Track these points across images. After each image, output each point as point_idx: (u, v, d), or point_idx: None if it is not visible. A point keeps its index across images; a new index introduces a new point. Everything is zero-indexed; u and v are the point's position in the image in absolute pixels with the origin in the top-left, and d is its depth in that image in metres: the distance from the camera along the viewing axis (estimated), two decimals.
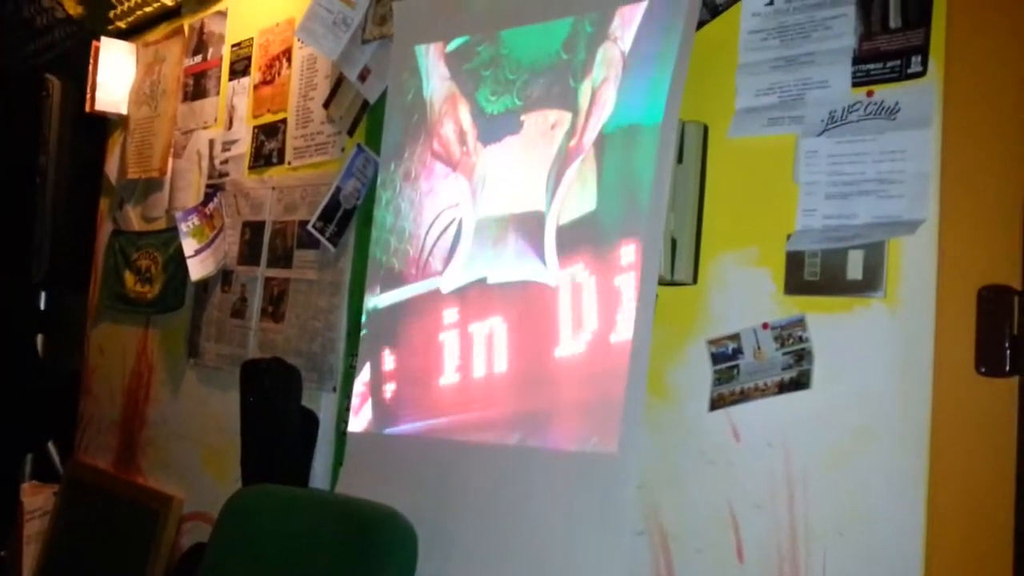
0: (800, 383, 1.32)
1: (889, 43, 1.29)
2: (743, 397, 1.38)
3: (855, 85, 1.32)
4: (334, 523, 1.66)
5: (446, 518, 1.64)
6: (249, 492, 1.88)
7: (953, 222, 1.20)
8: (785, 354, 1.34)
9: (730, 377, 1.40)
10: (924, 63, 1.26)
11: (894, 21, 1.29)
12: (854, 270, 1.28)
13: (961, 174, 1.21)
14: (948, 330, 1.19)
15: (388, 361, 1.85)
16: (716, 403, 1.41)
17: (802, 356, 1.32)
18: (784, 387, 1.33)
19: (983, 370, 1.15)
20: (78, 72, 3.14)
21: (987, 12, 1.21)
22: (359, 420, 1.87)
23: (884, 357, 1.24)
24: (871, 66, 1.31)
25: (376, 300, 1.90)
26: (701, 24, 1.48)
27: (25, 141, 3.18)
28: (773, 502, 1.32)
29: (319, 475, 2.09)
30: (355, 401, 1.89)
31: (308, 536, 1.66)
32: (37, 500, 3.10)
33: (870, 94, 1.30)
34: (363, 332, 1.92)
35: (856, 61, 1.32)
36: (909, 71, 1.27)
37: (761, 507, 1.33)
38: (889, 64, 1.29)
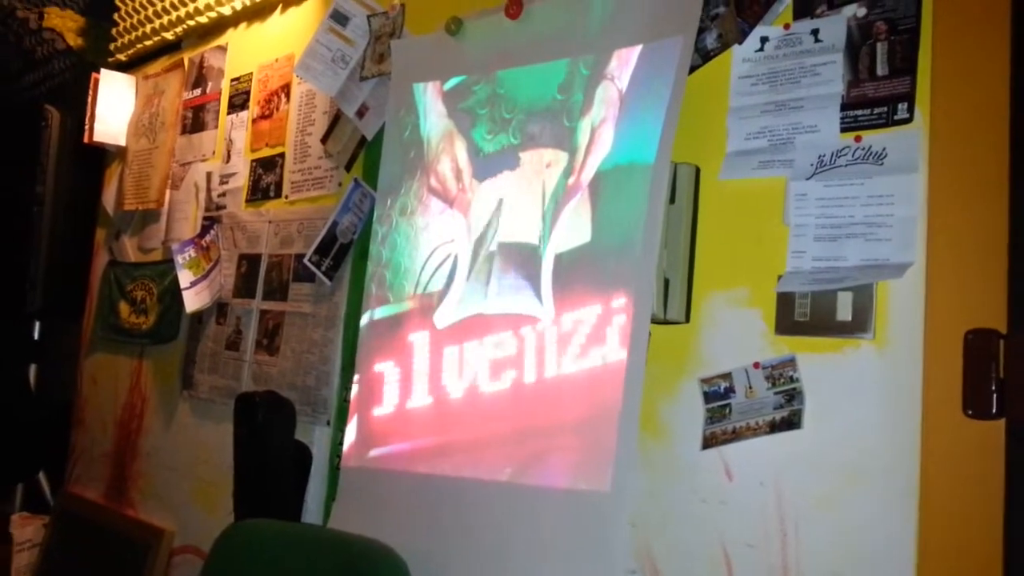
0: (791, 422, 1.33)
1: (876, 90, 1.33)
2: (735, 436, 1.39)
3: (843, 130, 1.35)
4: (327, 558, 1.65)
5: (438, 554, 1.64)
6: (241, 526, 1.87)
7: (940, 266, 1.23)
8: (776, 393, 1.35)
9: (722, 416, 1.41)
10: (910, 110, 1.29)
11: (881, 69, 1.32)
12: (843, 311, 1.30)
13: (947, 219, 1.23)
14: (936, 372, 1.21)
15: (375, 382, 1.87)
16: (708, 442, 1.42)
17: (793, 396, 1.34)
18: (776, 426, 1.35)
19: (970, 412, 1.17)
20: (77, 103, 3.16)
21: (970, 61, 1.25)
22: (346, 439, 1.89)
23: (873, 398, 1.26)
24: (859, 112, 1.34)
25: (367, 316, 1.92)
26: (693, 68, 1.51)
27: (23, 171, 3.19)
28: (766, 542, 1.33)
29: (312, 509, 2.09)
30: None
31: (300, 572, 1.66)
32: (27, 532, 3.06)
33: (858, 139, 1.33)
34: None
35: (844, 107, 1.35)
36: (896, 117, 1.30)
37: (754, 547, 1.34)
38: (876, 111, 1.32)
